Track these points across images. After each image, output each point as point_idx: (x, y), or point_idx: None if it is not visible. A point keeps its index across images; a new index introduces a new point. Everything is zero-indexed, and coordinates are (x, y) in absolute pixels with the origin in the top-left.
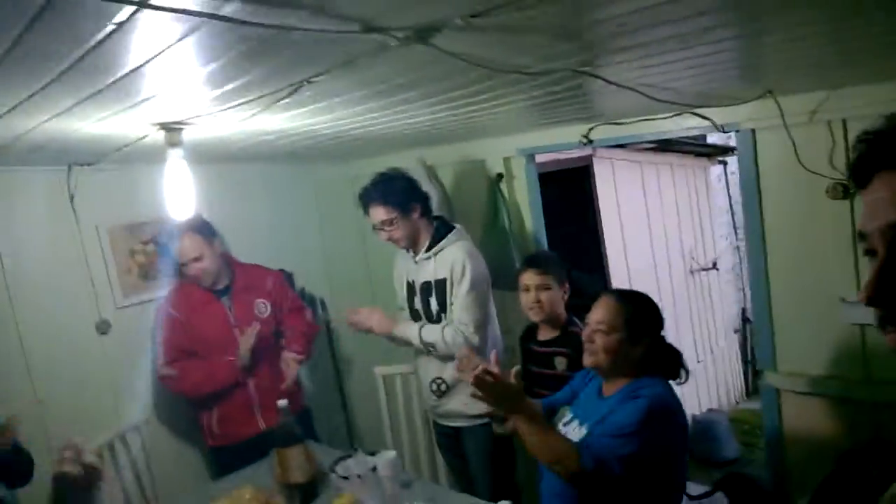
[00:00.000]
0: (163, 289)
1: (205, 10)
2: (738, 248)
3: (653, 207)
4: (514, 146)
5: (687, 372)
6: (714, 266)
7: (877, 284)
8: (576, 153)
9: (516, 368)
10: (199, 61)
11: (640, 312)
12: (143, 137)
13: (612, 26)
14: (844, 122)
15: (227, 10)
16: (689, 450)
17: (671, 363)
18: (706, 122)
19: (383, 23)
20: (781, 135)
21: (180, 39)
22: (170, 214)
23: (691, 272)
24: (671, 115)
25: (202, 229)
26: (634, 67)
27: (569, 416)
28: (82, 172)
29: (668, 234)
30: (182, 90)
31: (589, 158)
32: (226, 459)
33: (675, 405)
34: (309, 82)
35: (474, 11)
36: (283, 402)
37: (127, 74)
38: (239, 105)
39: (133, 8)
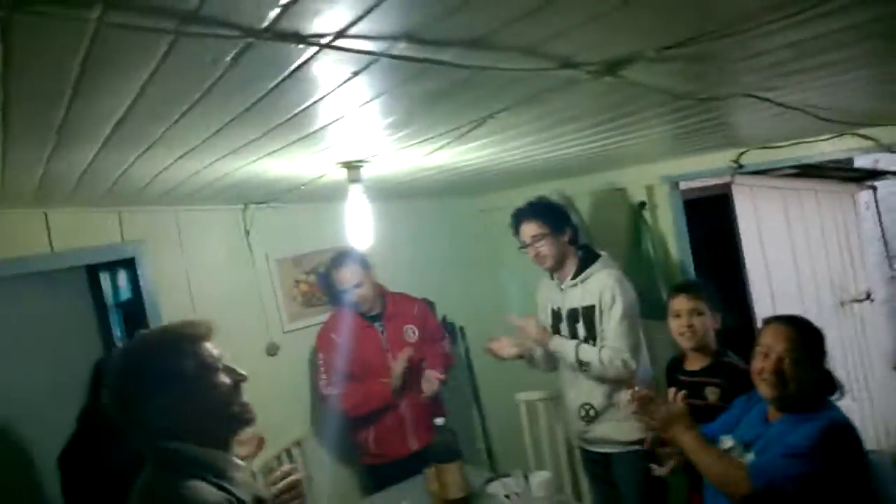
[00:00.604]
0: (323, 315)
1: (428, 56)
2: (893, 278)
3: (797, 236)
4: (657, 174)
5: (842, 388)
6: (868, 297)
7: None
8: (713, 181)
9: (682, 392)
10: (396, 105)
11: (814, 337)
12: (324, 175)
13: (789, 52)
14: None
15: (447, 55)
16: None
17: (827, 382)
18: (869, 143)
19: (580, 59)
20: None
21: (386, 90)
22: (350, 243)
23: (841, 304)
24: (829, 136)
25: (360, 260)
26: (806, 89)
27: (729, 443)
28: (254, 210)
29: (815, 264)
30: (371, 132)
31: (727, 186)
32: (379, 477)
33: (851, 427)
34: (491, 118)
35: (668, 44)
36: (440, 420)
37: (332, 122)
38: (422, 142)
39: (371, 58)
